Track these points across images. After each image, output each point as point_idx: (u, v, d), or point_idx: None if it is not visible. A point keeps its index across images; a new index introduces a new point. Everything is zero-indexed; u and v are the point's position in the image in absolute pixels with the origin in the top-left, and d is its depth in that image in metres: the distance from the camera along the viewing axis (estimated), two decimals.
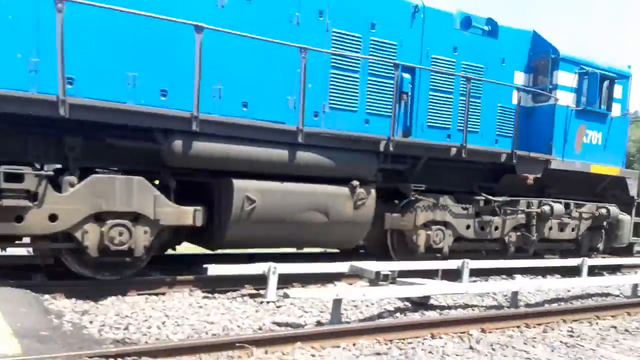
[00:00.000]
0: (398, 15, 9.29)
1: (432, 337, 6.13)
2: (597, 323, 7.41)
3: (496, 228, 10.45)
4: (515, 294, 7.95)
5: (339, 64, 8.70)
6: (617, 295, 9.64)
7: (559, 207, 10.94)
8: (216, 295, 7.61)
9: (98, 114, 6.70)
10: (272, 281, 7.35)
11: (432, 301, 7.81)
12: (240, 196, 7.66)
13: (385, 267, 7.76)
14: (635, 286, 9.55)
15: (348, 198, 8.55)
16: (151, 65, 7.25)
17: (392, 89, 8.96)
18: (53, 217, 6.68)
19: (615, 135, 11.90)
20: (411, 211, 9.49)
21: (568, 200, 11.28)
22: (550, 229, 11.07)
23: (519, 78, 10.89)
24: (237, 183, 7.68)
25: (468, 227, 10.10)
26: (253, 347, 5.15)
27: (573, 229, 11.52)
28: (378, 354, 5.42)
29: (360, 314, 7.12)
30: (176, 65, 7.34)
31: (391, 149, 8.68)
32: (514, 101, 10.40)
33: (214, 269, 7.21)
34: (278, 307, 7.19)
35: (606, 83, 11.46)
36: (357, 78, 8.91)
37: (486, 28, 10.42)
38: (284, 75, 8.14)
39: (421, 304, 7.58)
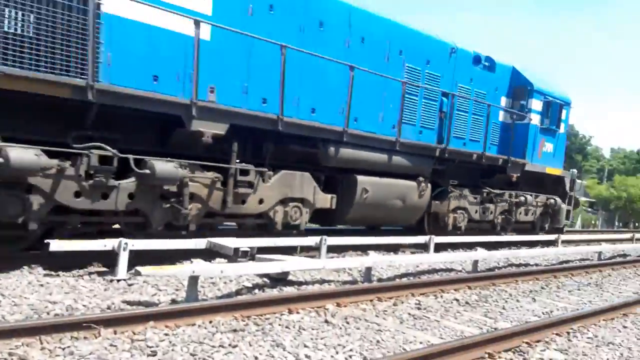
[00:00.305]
0: (442, 54, 12.45)
1: (290, 312, 6.15)
2: (441, 296, 7.91)
3: (491, 212, 14.18)
4: (369, 269, 8.24)
5: (408, 90, 11.53)
6: (460, 271, 10.40)
7: (530, 198, 15.24)
8: (60, 273, 7.03)
9: (294, 128, 9.44)
10: (123, 258, 6.93)
11: (290, 277, 7.85)
12: (361, 188, 10.65)
13: (244, 243, 7.65)
14: (475, 262, 10.35)
15: (415, 190, 11.88)
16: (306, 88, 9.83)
17: (436, 109, 12.39)
18: (261, 201, 9.21)
19: (559, 146, 16.37)
20: (446, 200, 12.94)
21: (532, 193, 15.44)
22: (520, 213, 15.15)
23: (503, 102, 14.55)
24: (360, 178, 10.71)
25: (476, 211, 13.80)
26: (101, 327, 4.81)
27: (533, 214, 15.74)
28: (235, 330, 5.31)
29: (218, 291, 6.96)
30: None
31: (445, 154, 12.42)
32: (500, 119, 14.40)
33: (56, 245, 6.62)
34: (130, 285, 6.81)
35: (558, 108, 15.64)
36: (416, 101, 11.91)
37: (487, 64, 13.79)
38: (379, 98, 11.12)
39: (280, 280, 7.58)
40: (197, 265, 6.17)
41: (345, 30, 10.40)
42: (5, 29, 6.51)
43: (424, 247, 11.09)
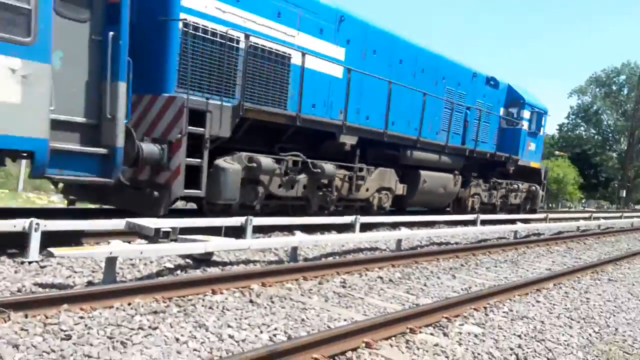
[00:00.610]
0: (467, 78, 16.48)
1: (213, 292, 6.02)
2: (366, 274, 8.01)
3: (494, 197, 18.34)
4: (294, 249, 8.22)
5: (446, 106, 15.45)
6: (384, 250, 10.57)
7: (520, 185, 19.79)
8: None
9: (393, 138, 13.16)
10: (35, 239, 6.55)
11: (215, 258, 7.70)
12: (422, 179, 14.31)
13: (166, 224, 7.42)
14: (399, 241, 10.55)
15: (452, 180, 15.74)
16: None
17: (462, 119, 16.34)
18: (367, 189, 12.64)
19: (539, 145, 21.06)
20: (468, 187, 16.85)
21: (520, 182, 19.76)
22: (512, 197, 19.42)
23: (501, 111, 18.69)
24: (422, 172, 14.38)
25: (485, 196, 17.87)
26: (10, 310, 4.52)
27: (520, 198, 20.03)
28: (155, 312, 5.15)
29: (138, 273, 6.73)
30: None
31: (473, 154, 16.55)
32: (500, 125, 18.72)
33: None
34: (42, 267, 6.45)
35: (540, 116, 20.17)
36: (452, 113, 15.62)
37: (492, 82, 17.91)
38: (431, 112, 14.64)
39: (203, 260, 7.42)
40: (115, 246, 5.91)
41: (413, 64, 14.04)
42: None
43: (350, 227, 11.18)
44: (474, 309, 6.66)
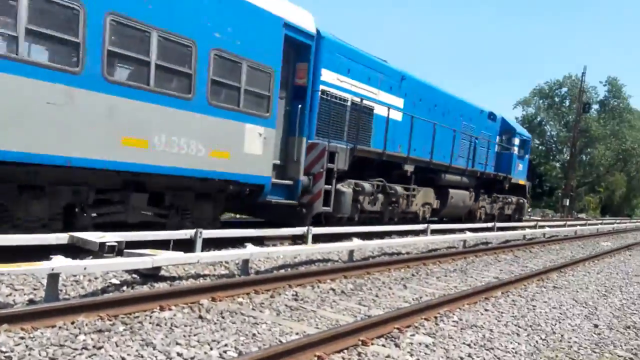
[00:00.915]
0: (476, 114, 20.85)
1: (161, 309, 5.87)
2: (318, 287, 7.97)
3: (493, 209, 22.65)
4: (246, 261, 8.11)
5: (463, 137, 19.59)
6: (337, 261, 10.57)
7: (513, 199, 24.58)
8: None
9: (436, 165, 17.73)
10: None
11: (163, 272, 7.52)
12: (450, 196, 18.29)
13: (111, 237, 7.20)
14: (351, 252, 10.57)
15: (468, 196, 19.93)
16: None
17: (474, 147, 20.42)
18: (416, 204, 16.66)
19: (525, 166, 25.48)
20: (477, 201, 21.12)
21: (512, 196, 24.32)
22: (507, 209, 24.10)
23: (497, 139, 23.10)
24: (450, 191, 18.44)
25: (489, 208, 22.23)
26: None
27: (511, 209, 24.62)
28: (100, 331, 4.97)
29: (82, 290, 6.50)
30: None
31: (483, 175, 21.08)
32: (496, 150, 23.08)
33: None
34: None
35: (526, 143, 25.32)
36: (467, 143, 19.94)
37: (491, 117, 21.99)
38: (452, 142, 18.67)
39: (151, 275, 7.23)
40: (57, 262, 5.68)
41: (443, 107, 18.28)
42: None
43: (301, 238, 11.13)
44: (425, 319, 6.71)
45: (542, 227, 22.65)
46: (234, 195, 10.79)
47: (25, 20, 6.96)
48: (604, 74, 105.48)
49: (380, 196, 14.88)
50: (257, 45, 10.32)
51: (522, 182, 24.80)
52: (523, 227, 20.94)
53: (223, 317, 5.92)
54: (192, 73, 9.11)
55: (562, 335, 7.08)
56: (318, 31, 12.33)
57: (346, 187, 13.11)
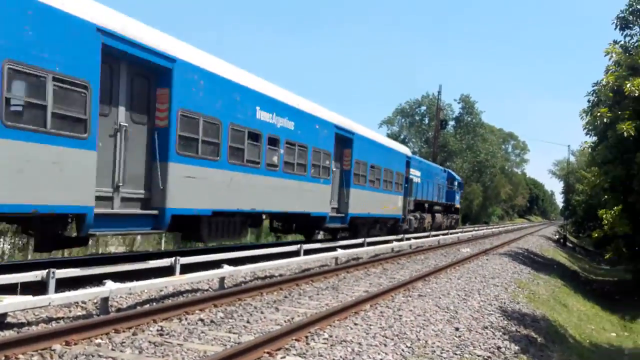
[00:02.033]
0: (442, 173, 38.27)
1: (7, 359, 5.32)
2: (186, 318, 7.67)
3: (447, 222, 38.88)
4: (105, 300, 7.61)
5: (440, 186, 36.25)
6: (207, 290, 10.27)
7: (455, 216, 42.19)
8: None
9: (431, 203, 35.03)
10: None
11: (9, 319, 6.84)
12: (436, 216, 35.60)
13: None
14: (222, 279, 10.33)
15: (443, 216, 37.66)
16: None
17: (439, 190, 36.08)
18: (427, 222, 33.01)
19: (459, 196, 43.98)
20: (443, 218, 37.65)
21: (454, 214, 42.09)
22: (452, 222, 40.49)
23: (447, 184, 38.36)
24: (436, 214, 35.37)
25: (447, 222, 38.70)
26: None
27: (454, 222, 41.15)
28: None
29: None
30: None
31: (448, 205, 39.96)
32: (447, 189, 38.52)
33: None
34: None
35: (460, 183, 44.48)
36: (440, 189, 36.33)
37: (446, 172, 39.29)
38: (436, 190, 35.58)
39: None
40: None
41: (430, 172, 33.37)
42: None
43: (169, 270, 10.67)
44: (296, 340, 6.69)
45: (408, 239, 23.67)
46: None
47: None
48: (458, 92, 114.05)
49: (419, 218, 30.61)
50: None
51: (457, 206, 42.93)
52: (391, 241, 21.61)
53: None
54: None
55: (426, 341, 7.39)
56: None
57: (412, 216, 28.69)
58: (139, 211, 10.05)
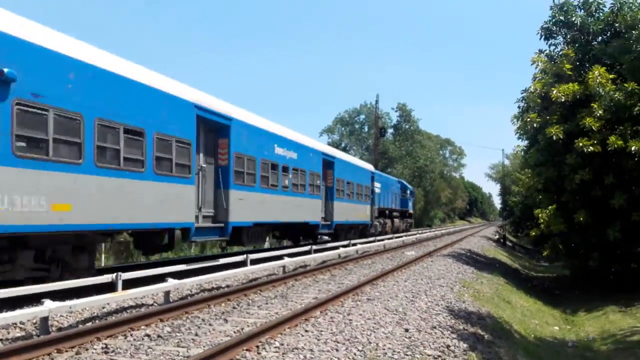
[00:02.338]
0: (396, 184, 43.60)
1: None
2: (131, 335, 7.43)
3: (403, 225, 45.43)
4: (44, 319, 7.27)
5: (395, 195, 41.98)
6: (152, 305, 9.98)
7: (410, 220, 48.98)
8: None
9: (390, 209, 41.51)
10: None
11: None
12: (395, 221, 42.31)
13: None
14: (167, 293, 10.07)
15: (400, 220, 44.38)
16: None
17: (395, 198, 41.69)
18: (388, 226, 39.47)
19: (411, 203, 50.75)
20: (401, 222, 44.23)
21: (408, 218, 48.65)
22: (406, 225, 47.04)
23: (400, 192, 43.81)
24: (395, 219, 42.56)
25: (403, 225, 44.97)
26: None
27: (408, 224, 48.36)
28: None
29: None
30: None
31: (405, 211, 47.03)
32: (401, 197, 44.77)
33: None
34: None
35: (412, 191, 51.41)
36: (396, 198, 42.11)
37: (400, 182, 45.41)
38: (393, 198, 41.21)
39: None
40: None
41: (388, 184, 39.10)
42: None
43: (111, 286, 10.32)
44: (247, 350, 6.59)
45: (354, 244, 23.83)
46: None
47: None
48: (395, 100, 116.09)
49: (383, 223, 36.26)
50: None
51: (411, 212, 48.74)
52: (338, 247, 21.70)
53: None
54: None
55: (377, 344, 7.42)
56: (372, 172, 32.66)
57: (377, 222, 34.08)
58: (212, 225, 14.51)
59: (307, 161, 20.83)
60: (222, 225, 14.64)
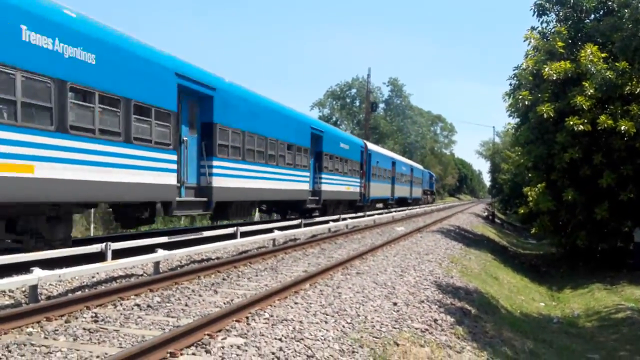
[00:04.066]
0: (424, 172, 63.11)
1: None
2: (121, 304, 7.45)
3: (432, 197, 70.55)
4: (33, 287, 7.27)
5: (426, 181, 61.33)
6: (141, 275, 10.00)
7: (432, 196, 72.70)
8: None
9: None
10: None
11: None
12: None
13: None
14: (156, 264, 10.08)
15: (425, 195, 66.52)
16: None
17: (429, 183, 67.42)
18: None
19: (434, 183, 76.58)
20: (430, 196, 71.80)
21: (433, 195, 77.46)
22: (432, 198, 72.52)
23: (429, 179, 68.15)
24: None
25: (431, 199, 69.83)
26: None
27: (434, 198, 75.98)
28: None
29: None
30: None
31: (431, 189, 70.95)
32: (431, 181, 70.07)
33: None
34: None
35: (434, 177, 77.22)
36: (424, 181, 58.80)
37: (429, 173, 69.15)
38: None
39: None
40: None
41: (424, 175, 61.57)
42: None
43: (100, 256, 10.31)
44: (237, 321, 6.62)
45: (344, 219, 23.92)
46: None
47: None
48: (387, 75, 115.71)
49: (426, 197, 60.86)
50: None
51: (434, 190, 68.80)
52: (327, 221, 21.77)
53: (10, 351, 5.25)
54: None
55: (365, 317, 7.49)
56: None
57: (426, 196, 61.92)
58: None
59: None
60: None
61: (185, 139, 13.59)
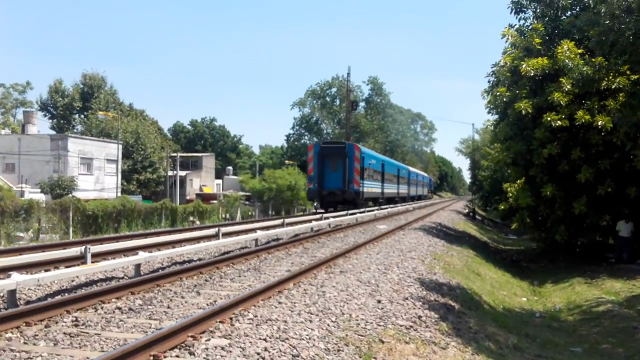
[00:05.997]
0: (424, 178, 74.96)
1: None
2: (102, 307, 7.33)
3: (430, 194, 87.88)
4: (12, 292, 7.12)
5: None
6: (122, 278, 9.86)
7: (431, 194, 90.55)
8: None
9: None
10: None
11: None
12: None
13: None
14: (137, 266, 9.95)
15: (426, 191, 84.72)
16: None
17: (429, 185, 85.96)
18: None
19: (431, 184, 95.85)
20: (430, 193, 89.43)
21: (430, 192, 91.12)
22: (430, 195, 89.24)
23: (428, 182, 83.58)
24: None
25: (430, 195, 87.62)
26: None
27: (431, 195, 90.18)
28: None
29: None
30: None
31: (430, 189, 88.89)
32: (429, 184, 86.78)
33: None
34: None
35: (429, 180, 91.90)
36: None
37: (427, 177, 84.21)
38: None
39: None
40: None
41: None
42: None
43: (80, 260, 10.15)
44: (220, 322, 6.55)
45: (327, 218, 23.87)
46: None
47: None
48: (367, 74, 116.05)
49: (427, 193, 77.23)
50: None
51: (431, 190, 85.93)
52: (310, 220, 21.68)
53: None
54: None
55: (350, 315, 7.47)
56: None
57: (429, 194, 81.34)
58: None
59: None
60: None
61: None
